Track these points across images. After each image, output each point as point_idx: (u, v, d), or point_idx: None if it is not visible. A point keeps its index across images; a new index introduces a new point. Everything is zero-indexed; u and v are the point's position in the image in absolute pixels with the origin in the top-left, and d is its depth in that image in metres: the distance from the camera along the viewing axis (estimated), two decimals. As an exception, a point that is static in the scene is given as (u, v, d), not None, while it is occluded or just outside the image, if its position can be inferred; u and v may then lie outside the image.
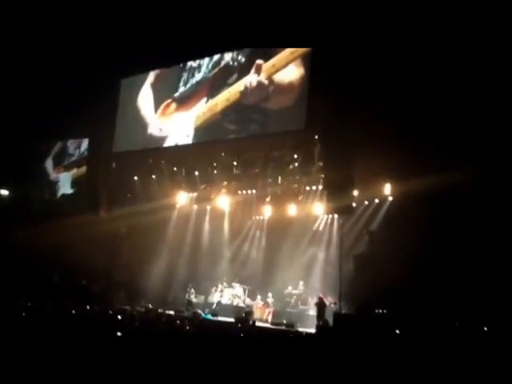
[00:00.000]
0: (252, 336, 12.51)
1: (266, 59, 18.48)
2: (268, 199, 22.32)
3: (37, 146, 27.26)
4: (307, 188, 20.89)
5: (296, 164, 19.39)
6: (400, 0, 14.39)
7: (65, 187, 26.26)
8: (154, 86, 22.34)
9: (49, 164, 27.07)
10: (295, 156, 19.25)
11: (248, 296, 21.39)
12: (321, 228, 21.28)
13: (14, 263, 22.38)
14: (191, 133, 20.41)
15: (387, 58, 15.79)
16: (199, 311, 19.64)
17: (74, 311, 13.87)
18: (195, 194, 24.08)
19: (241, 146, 20.29)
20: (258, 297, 20.81)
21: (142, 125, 22.17)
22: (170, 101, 21.55)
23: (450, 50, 14.78)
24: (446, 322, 14.20)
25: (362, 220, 19.30)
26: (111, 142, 23.23)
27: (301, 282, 20.40)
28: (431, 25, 14.30)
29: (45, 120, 24.56)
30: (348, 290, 17.31)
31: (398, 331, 13.42)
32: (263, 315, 19.86)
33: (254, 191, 22.52)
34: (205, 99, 20.22)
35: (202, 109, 20.22)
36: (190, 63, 21.02)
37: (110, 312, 14.80)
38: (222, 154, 20.99)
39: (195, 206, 24.68)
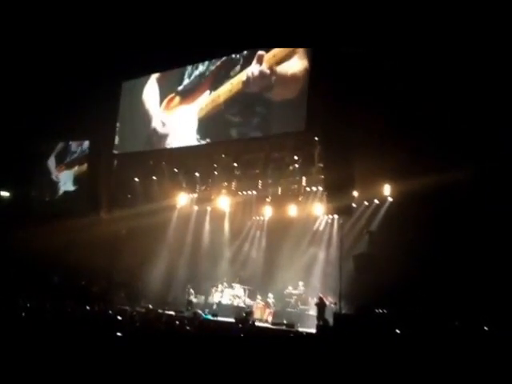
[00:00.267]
0: (252, 336, 12.49)
1: (268, 50, 18.62)
2: (268, 200, 22.31)
3: (38, 147, 27.28)
4: (307, 189, 20.87)
5: (296, 165, 19.46)
6: (400, 0, 14.41)
7: (66, 185, 26.32)
8: (159, 80, 22.54)
9: (51, 162, 27.16)
10: (295, 157, 19.33)
11: (248, 296, 21.39)
12: (321, 228, 21.27)
13: (15, 264, 22.38)
14: (195, 125, 20.48)
15: (387, 58, 15.81)
16: (199, 311, 19.63)
17: (73, 312, 13.86)
18: (195, 195, 24.07)
19: (241, 147, 20.32)
20: (258, 297, 20.81)
21: (146, 119, 22.34)
22: (173, 94, 21.69)
23: (450, 50, 14.79)
24: (446, 321, 14.19)
25: (362, 220, 19.29)
26: (112, 144, 23.29)
27: (301, 283, 20.39)
28: (431, 25, 14.31)
29: (46, 122, 24.59)
30: (348, 290, 17.30)
31: (398, 331, 13.42)
32: (263, 315, 19.87)
33: (254, 192, 22.50)
34: (208, 92, 20.36)
35: (205, 101, 20.38)
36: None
37: (110, 312, 14.79)
38: (223, 156, 21.01)
39: (195, 207, 24.67)
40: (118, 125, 23.33)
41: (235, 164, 20.70)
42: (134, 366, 7.33)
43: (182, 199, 24.35)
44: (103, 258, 22.91)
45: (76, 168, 26.07)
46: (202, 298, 22.26)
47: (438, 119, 15.43)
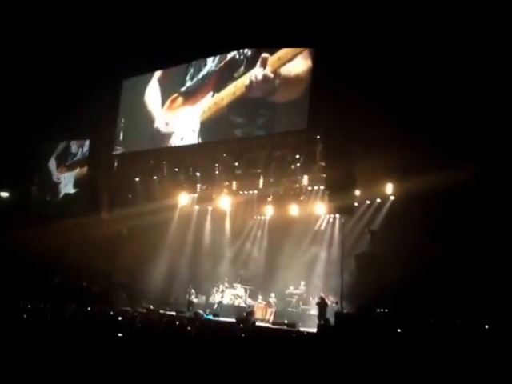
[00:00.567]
0: (253, 336, 12.47)
1: (272, 52, 18.41)
2: (269, 199, 22.26)
3: (38, 147, 27.26)
4: (309, 188, 20.84)
5: (298, 164, 19.38)
6: (400, 1, 14.40)
7: (67, 187, 26.26)
8: (160, 80, 22.40)
9: (52, 164, 27.09)
10: (297, 156, 19.24)
11: (249, 296, 21.36)
12: (322, 228, 21.23)
13: (15, 264, 22.37)
14: (197, 127, 20.41)
15: (388, 58, 15.78)
16: (200, 312, 19.63)
17: (74, 313, 13.84)
18: (196, 195, 24.03)
19: (243, 146, 20.27)
20: (260, 297, 20.78)
21: (149, 120, 22.23)
22: (176, 95, 21.57)
23: (451, 50, 14.77)
24: (448, 320, 14.17)
25: (364, 219, 19.27)
26: (112, 144, 23.25)
27: (302, 282, 20.36)
28: (432, 25, 14.30)
29: (46, 121, 24.57)
30: (350, 289, 17.29)
31: (399, 330, 13.40)
32: (265, 315, 19.84)
33: (255, 191, 22.45)
34: (211, 93, 20.21)
35: (208, 103, 20.22)
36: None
37: (111, 313, 14.78)
38: (224, 155, 20.97)
39: (196, 207, 24.62)
40: (122, 120, 23.21)
41: (236, 163, 20.65)
42: (135, 366, 7.31)
43: (183, 199, 24.31)
44: (104, 258, 22.85)
45: (77, 170, 26.00)
46: (203, 298, 22.25)
47: (439, 119, 15.41)
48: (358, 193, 17.70)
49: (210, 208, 24.52)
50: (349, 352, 9.15)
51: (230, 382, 7.21)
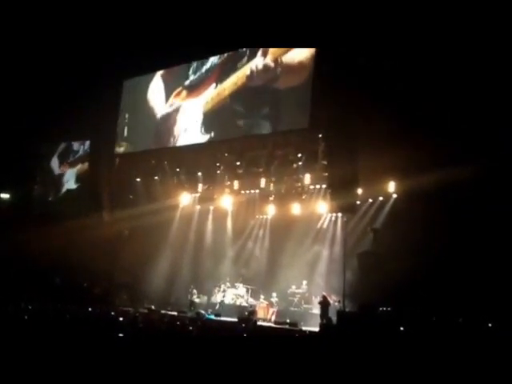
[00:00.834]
0: (255, 335, 12.43)
1: None
2: (271, 198, 22.21)
3: (39, 148, 27.27)
4: (311, 187, 20.78)
5: (300, 163, 19.36)
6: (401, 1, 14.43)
7: (69, 183, 26.37)
8: (164, 76, 22.52)
9: (54, 162, 27.21)
10: (299, 155, 19.23)
11: (251, 296, 21.30)
12: (324, 226, 21.15)
13: (16, 265, 22.35)
14: (200, 118, 20.45)
15: (390, 57, 15.76)
16: (202, 311, 19.59)
17: (75, 313, 13.80)
18: (198, 195, 23.98)
19: (244, 145, 20.25)
20: (262, 296, 20.72)
21: (152, 115, 22.32)
22: (180, 89, 21.67)
23: (451, 50, 14.78)
24: (450, 319, 14.11)
25: (366, 218, 19.20)
26: (113, 144, 23.24)
27: (304, 281, 20.30)
28: (432, 25, 14.32)
29: (46, 123, 24.56)
30: (352, 288, 17.21)
31: (402, 329, 13.34)
32: (267, 315, 19.79)
33: (257, 190, 22.39)
34: (214, 85, 20.32)
35: (211, 94, 20.34)
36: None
37: (112, 314, 14.75)
38: (226, 154, 20.94)
39: (198, 207, 24.57)
40: (126, 116, 23.24)
41: (238, 162, 20.60)
42: (137, 366, 7.27)
43: (185, 199, 24.26)
44: (105, 259, 22.84)
45: (79, 166, 26.09)
46: (205, 298, 22.19)
47: (442, 117, 15.41)
48: (360, 191, 17.68)
49: (211, 207, 24.45)
50: (351, 351, 9.11)
51: (233, 382, 7.15)
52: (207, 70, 20.78)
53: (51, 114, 23.77)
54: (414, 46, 15.20)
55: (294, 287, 20.52)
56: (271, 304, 20.18)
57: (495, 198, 14.93)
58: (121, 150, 23.27)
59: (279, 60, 18.20)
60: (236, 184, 22.19)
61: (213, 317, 19.38)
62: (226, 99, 19.69)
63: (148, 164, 23.28)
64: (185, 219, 24.42)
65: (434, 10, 14.22)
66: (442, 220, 15.76)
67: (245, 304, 20.92)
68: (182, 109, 21.39)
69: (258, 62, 18.75)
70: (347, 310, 16.66)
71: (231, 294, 21.52)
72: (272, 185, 21.46)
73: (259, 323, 17.97)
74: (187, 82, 21.39)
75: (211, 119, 20.25)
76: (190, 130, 20.92)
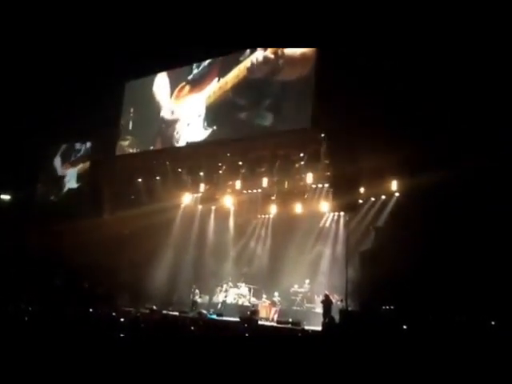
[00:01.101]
0: (258, 335, 12.39)
1: None
2: (274, 198, 22.17)
3: (41, 149, 27.30)
4: (313, 186, 20.75)
5: (302, 162, 19.37)
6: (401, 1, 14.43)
7: (71, 182, 26.44)
8: (169, 71, 22.58)
9: (57, 162, 27.32)
10: (301, 154, 19.24)
11: (253, 295, 21.26)
12: (327, 225, 21.12)
13: (16, 266, 22.33)
14: (203, 112, 20.53)
15: (390, 57, 15.77)
16: (204, 311, 19.58)
17: (76, 314, 13.78)
18: (200, 195, 23.94)
19: (246, 145, 20.24)
20: (264, 296, 20.70)
21: (157, 109, 22.51)
22: (183, 84, 21.85)
23: (451, 50, 14.78)
24: (453, 317, 14.09)
25: (369, 217, 19.14)
26: (114, 145, 23.28)
27: (306, 280, 20.28)
28: (433, 25, 14.33)
29: (48, 124, 24.60)
30: (354, 286, 17.17)
31: (404, 327, 13.32)
32: (269, 314, 19.78)
33: (259, 190, 22.35)
34: (216, 79, 20.47)
35: (214, 88, 20.49)
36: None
37: (114, 314, 14.72)
38: (228, 154, 20.93)
39: (200, 206, 24.53)
40: (131, 110, 23.35)
41: (240, 162, 20.60)
42: (138, 366, 7.25)
43: (187, 199, 24.23)
44: (106, 259, 22.78)
45: (80, 165, 26.17)
46: (207, 297, 22.16)
47: (444, 117, 15.43)
48: (362, 190, 17.69)
49: (213, 207, 24.41)
50: (354, 350, 9.07)
51: (235, 381, 7.12)
52: (210, 63, 21.00)
53: (53, 115, 23.80)
54: (413, 46, 15.21)
55: (296, 286, 20.49)
56: (273, 303, 20.15)
57: (496, 197, 14.90)
58: (125, 143, 23.32)
59: (280, 52, 18.32)
60: (238, 184, 22.14)
61: (215, 316, 19.37)
62: (229, 92, 19.85)
63: (150, 164, 23.28)
64: (187, 219, 24.37)
65: (433, 10, 14.22)
66: (444, 218, 15.72)
67: (247, 304, 20.88)
68: (186, 104, 21.46)
69: (259, 54, 18.94)
70: (350, 308, 16.65)
71: (233, 294, 21.51)
72: (274, 184, 21.44)
73: (261, 323, 17.95)
74: (190, 77, 21.60)
75: (214, 113, 20.39)
76: (192, 125, 21.03)
